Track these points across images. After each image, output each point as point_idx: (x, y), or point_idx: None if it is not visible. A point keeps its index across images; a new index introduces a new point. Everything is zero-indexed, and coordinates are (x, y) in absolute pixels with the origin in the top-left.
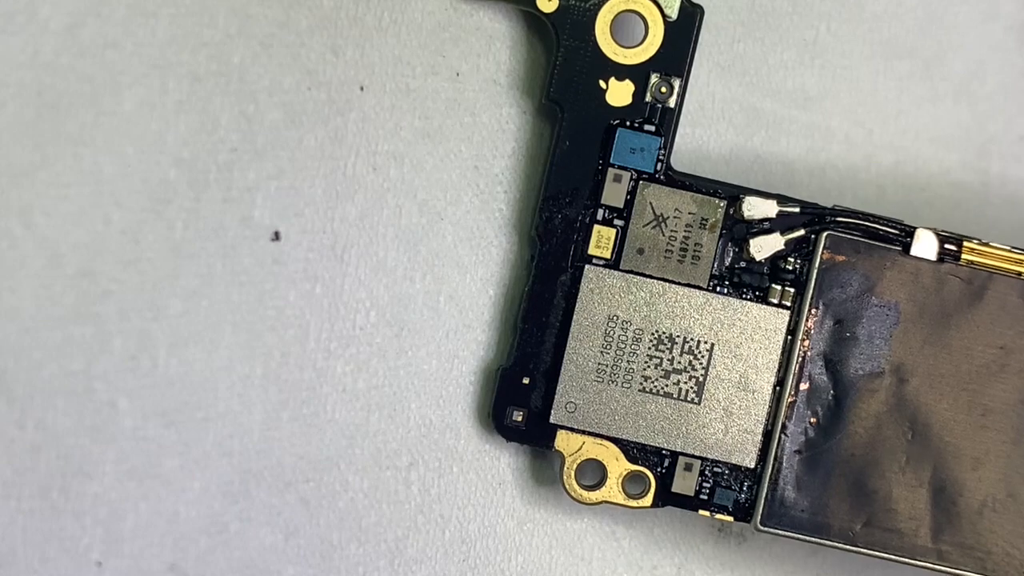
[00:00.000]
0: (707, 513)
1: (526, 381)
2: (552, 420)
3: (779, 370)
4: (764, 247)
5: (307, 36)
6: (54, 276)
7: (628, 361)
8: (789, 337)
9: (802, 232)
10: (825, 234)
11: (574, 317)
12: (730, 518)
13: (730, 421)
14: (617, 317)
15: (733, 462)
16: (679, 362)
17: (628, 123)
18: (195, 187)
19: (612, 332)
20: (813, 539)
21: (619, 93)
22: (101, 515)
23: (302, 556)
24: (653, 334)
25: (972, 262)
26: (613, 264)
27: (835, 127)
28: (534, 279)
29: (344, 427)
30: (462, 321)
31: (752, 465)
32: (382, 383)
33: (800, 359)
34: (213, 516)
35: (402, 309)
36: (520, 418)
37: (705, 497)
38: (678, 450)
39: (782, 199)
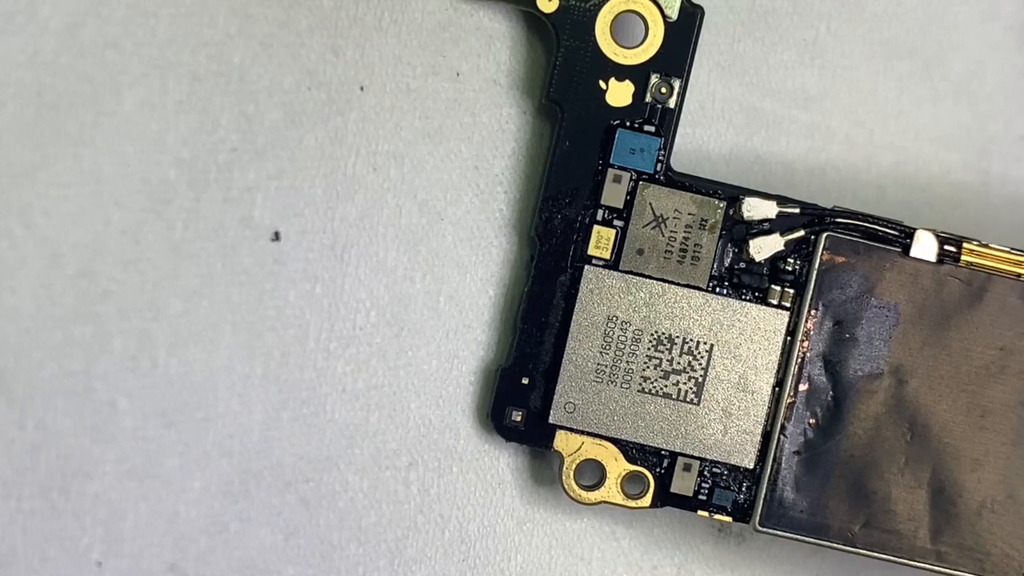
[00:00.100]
0: (706, 514)
1: (525, 381)
2: (551, 420)
3: (778, 371)
4: (764, 248)
5: (307, 36)
6: (54, 276)
7: (627, 362)
8: (788, 338)
9: (802, 233)
10: (825, 235)
11: (573, 317)
12: (729, 519)
13: (729, 422)
14: (616, 317)
15: (732, 463)
16: (678, 363)
17: (628, 123)
18: (195, 187)
19: (611, 332)
20: (812, 540)
21: (619, 93)
22: (101, 515)
23: (302, 556)
24: (652, 335)
25: (972, 263)
26: (613, 264)
27: (835, 127)
28: (534, 279)
29: (344, 427)
30: (462, 321)
31: (751, 466)
32: (382, 383)
33: (799, 360)
34: (213, 516)
35: (402, 309)
36: (519, 418)
37: (704, 497)
38: (677, 450)
39: (782, 200)
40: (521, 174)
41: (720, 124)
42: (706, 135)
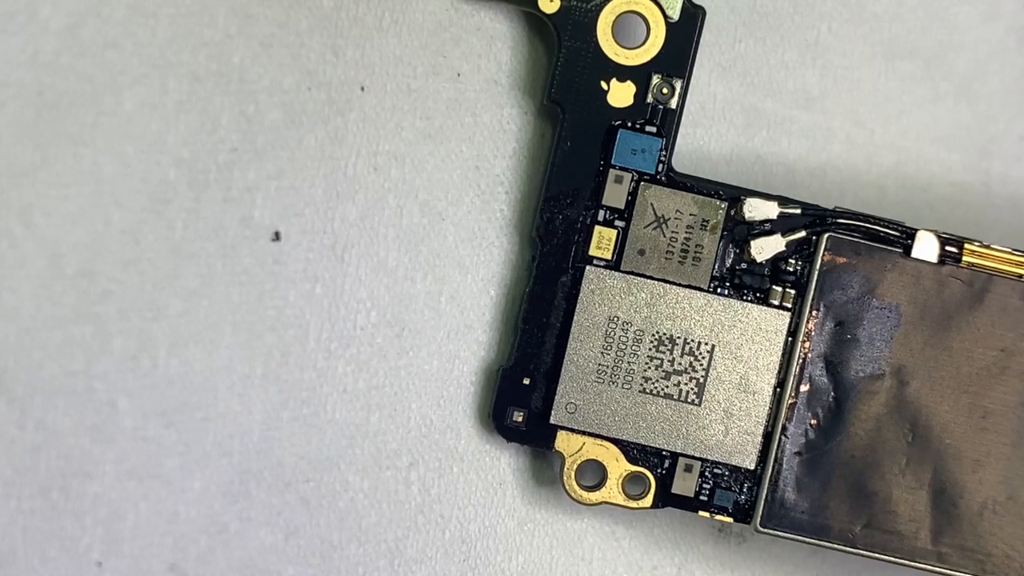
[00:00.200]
0: (707, 514)
1: (527, 381)
2: (552, 421)
3: (779, 372)
4: (765, 248)
5: (307, 36)
6: (54, 276)
7: (628, 362)
8: (790, 339)
9: (803, 234)
10: (826, 236)
11: (575, 318)
12: (730, 519)
13: (730, 422)
14: (618, 318)
15: (733, 463)
16: (679, 363)
17: (629, 124)
18: (195, 187)
19: (613, 333)
20: (813, 540)
21: (620, 94)
22: (101, 515)
23: (302, 556)
24: (654, 335)
25: (973, 264)
26: (614, 265)
27: (836, 127)
28: (535, 280)
29: (344, 427)
30: (463, 321)
31: (752, 466)
32: (383, 383)
33: (800, 361)
34: (213, 516)
35: (403, 309)
36: (520, 418)
37: (705, 498)
38: (678, 451)
39: (783, 200)
40: (522, 174)
41: (721, 124)
42: (707, 135)
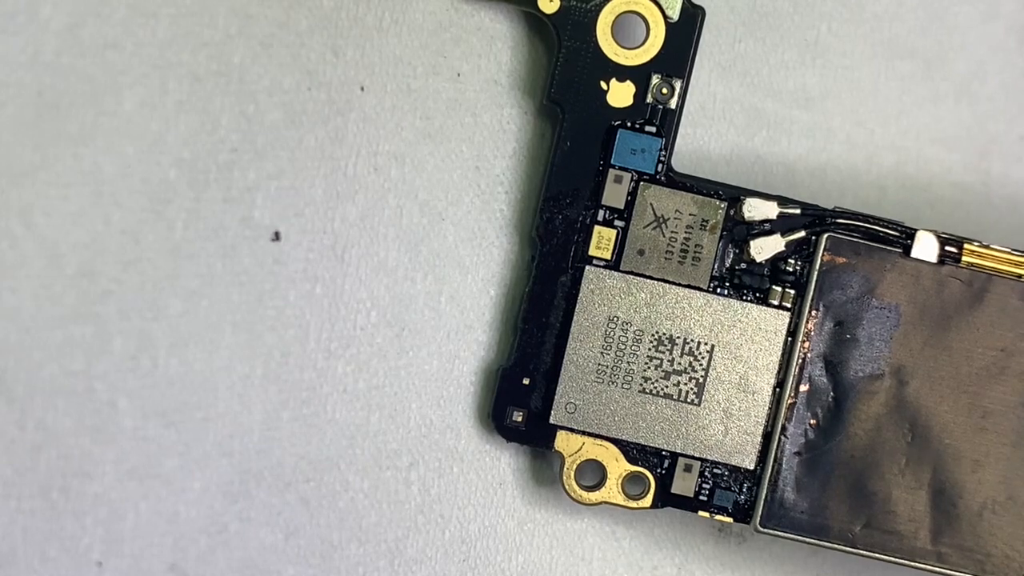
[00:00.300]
0: (707, 514)
1: (526, 381)
2: (552, 420)
3: (779, 372)
4: (765, 248)
5: (307, 36)
6: (54, 276)
7: (628, 362)
8: (789, 339)
9: (803, 234)
10: (826, 236)
11: (574, 318)
12: (729, 519)
13: (730, 422)
14: (617, 318)
15: (733, 463)
16: (679, 363)
17: (629, 124)
18: (195, 187)
19: (612, 333)
20: (813, 540)
21: (620, 94)
22: (101, 515)
23: (302, 556)
24: (653, 335)
25: (973, 264)
26: (613, 265)
27: (836, 127)
28: (535, 280)
29: (344, 427)
30: (463, 321)
31: (752, 466)
32: (383, 383)
33: (800, 361)
34: (213, 516)
35: (403, 309)
36: (520, 418)
37: (705, 498)
38: (678, 451)
39: (783, 200)
40: (522, 174)
41: (721, 124)
42: (707, 135)
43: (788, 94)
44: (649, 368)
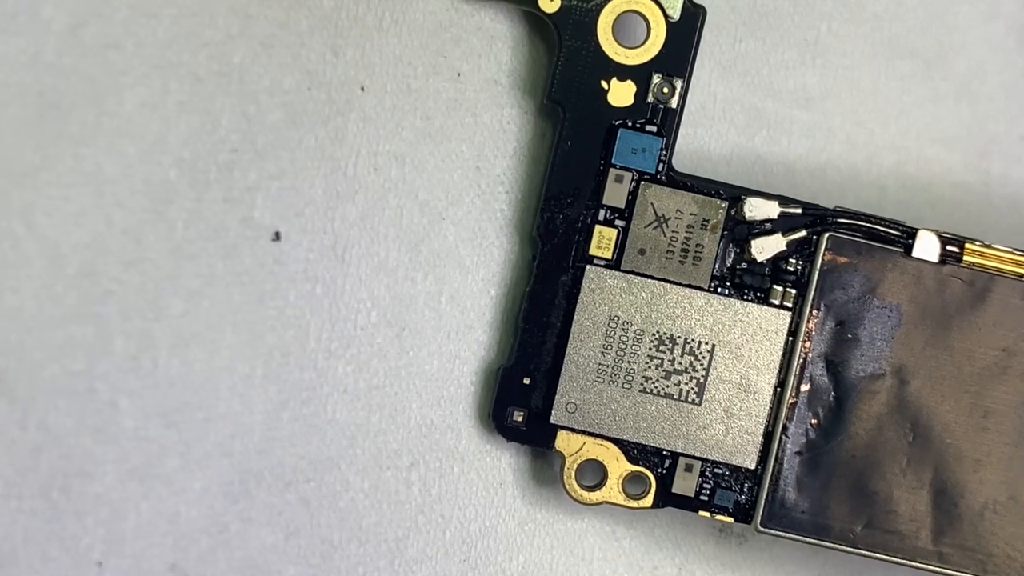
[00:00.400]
0: (707, 514)
1: (527, 381)
2: (552, 420)
3: (780, 371)
4: (766, 248)
5: (307, 36)
6: (55, 276)
7: (629, 362)
8: (790, 338)
9: (804, 233)
10: (827, 235)
11: (575, 317)
12: (730, 519)
13: (731, 422)
14: (618, 318)
15: (734, 463)
16: (680, 363)
17: (630, 124)
18: (196, 187)
19: (613, 333)
20: (813, 541)
21: (621, 93)
22: (102, 515)
23: (302, 556)
24: (654, 335)
25: (974, 264)
26: (614, 265)
27: (836, 127)
28: (535, 279)
29: (345, 427)
30: (463, 321)
31: (753, 466)
32: (383, 383)
33: (801, 360)
34: (214, 516)
35: (403, 309)
36: (521, 418)
37: (705, 498)
38: (679, 451)
39: (784, 200)
40: (522, 174)
41: (721, 124)
42: (707, 135)
43: (788, 94)
44: (650, 368)
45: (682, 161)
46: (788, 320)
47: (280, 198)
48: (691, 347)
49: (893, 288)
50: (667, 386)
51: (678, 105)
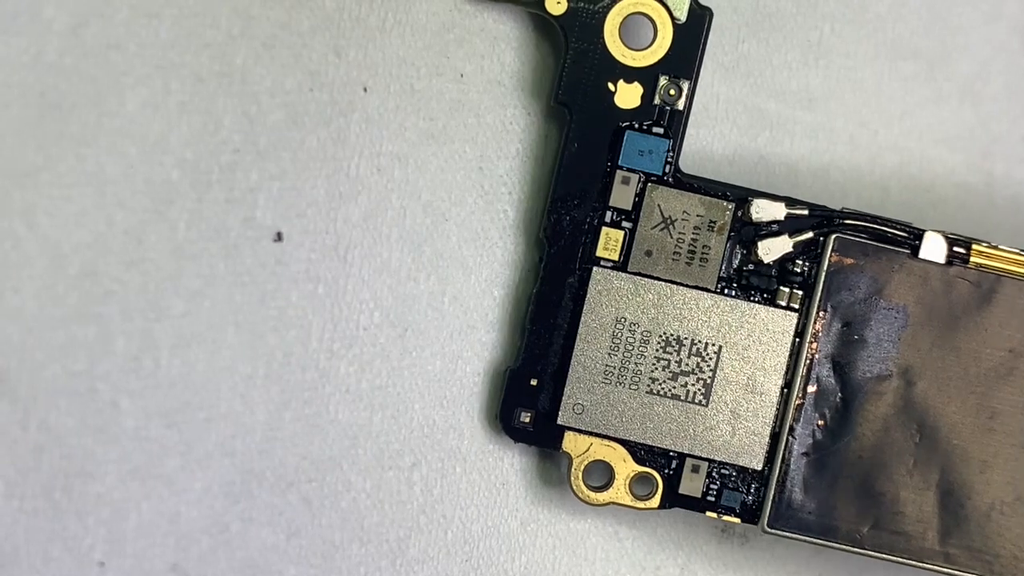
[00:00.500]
0: (714, 515)
1: (534, 382)
2: (560, 421)
3: (787, 372)
4: (772, 249)
5: (310, 37)
6: (57, 276)
7: (636, 363)
8: (797, 339)
9: (810, 235)
10: (833, 237)
11: (582, 319)
12: (737, 520)
13: (737, 423)
14: (625, 319)
15: (740, 464)
16: (687, 364)
17: (636, 125)
18: (198, 188)
19: (620, 334)
20: (820, 541)
21: (628, 95)
22: (103, 515)
23: (304, 556)
24: (661, 336)
25: (981, 265)
26: (621, 266)
27: (839, 128)
28: (542, 281)
29: (347, 427)
30: (466, 322)
31: (759, 467)
32: (385, 383)
33: (808, 361)
34: (215, 516)
35: (406, 310)
36: (528, 419)
37: (712, 499)
38: (685, 452)
39: (790, 201)
40: (525, 175)
41: (724, 125)
42: (710, 136)
43: (791, 95)
44: (657, 369)
45: (685, 162)
46: (795, 321)
47: (282, 199)
48: (698, 348)
49: (900, 289)
50: (674, 387)
51: (685, 107)
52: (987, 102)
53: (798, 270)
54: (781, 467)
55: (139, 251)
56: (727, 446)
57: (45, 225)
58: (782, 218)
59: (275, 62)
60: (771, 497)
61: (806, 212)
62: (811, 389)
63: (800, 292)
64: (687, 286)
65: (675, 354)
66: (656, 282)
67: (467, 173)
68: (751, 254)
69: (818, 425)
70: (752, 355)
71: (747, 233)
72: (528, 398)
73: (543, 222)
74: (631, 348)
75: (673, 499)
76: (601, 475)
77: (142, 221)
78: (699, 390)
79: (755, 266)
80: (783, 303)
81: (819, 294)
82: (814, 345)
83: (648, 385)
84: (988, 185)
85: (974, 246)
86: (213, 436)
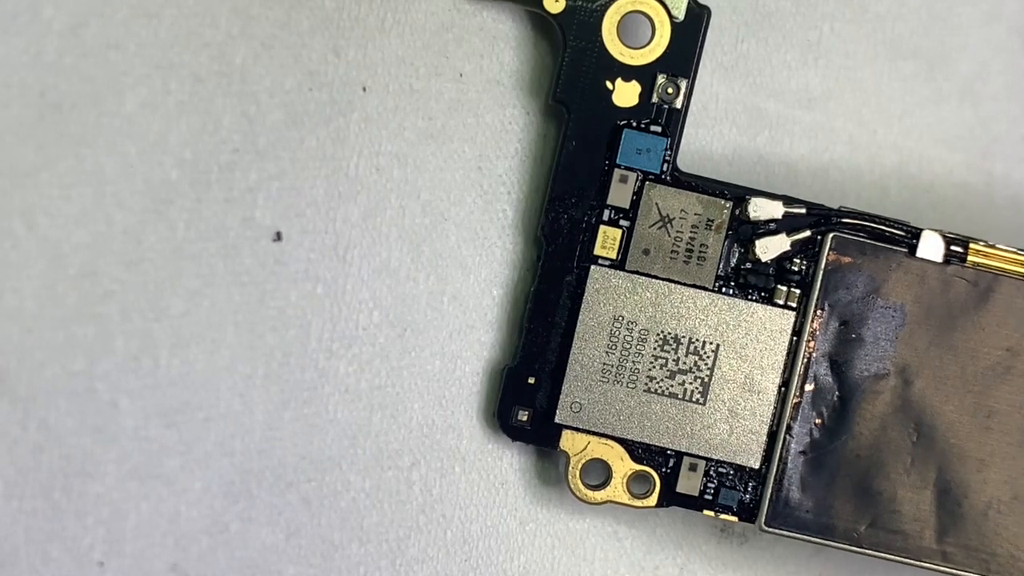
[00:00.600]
0: (712, 513)
1: (532, 381)
2: (557, 420)
3: (784, 371)
4: (770, 248)
5: (309, 37)
6: (56, 276)
7: (633, 361)
8: (795, 338)
9: (808, 233)
10: (831, 235)
11: (580, 317)
12: (734, 518)
13: (735, 422)
14: (623, 317)
15: (738, 463)
16: (684, 363)
17: (634, 124)
18: (197, 188)
19: (617, 332)
20: (817, 540)
21: (626, 94)
22: (103, 515)
23: (303, 556)
24: (658, 334)
25: (978, 264)
26: (619, 265)
27: (839, 128)
28: (540, 279)
29: (346, 427)
30: (465, 321)
31: (757, 466)
32: (385, 383)
33: (805, 360)
34: (214, 516)
35: (405, 309)
36: (525, 418)
37: (710, 497)
38: (683, 450)
39: (788, 200)
40: (524, 174)
41: (723, 124)
42: (709, 135)
43: (790, 94)
44: (654, 367)
45: (684, 161)
46: (792, 320)
47: (281, 198)
48: (695, 347)
49: (897, 288)
50: (671, 386)
51: (683, 105)
52: (986, 102)
53: (796, 269)
54: (778, 466)
55: (138, 251)
56: (724, 445)
57: (44, 225)
58: (780, 217)
59: (274, 62)
60: (768, 496)
61: (804, 211)
62: (808, 388)
63: (798, 291)
64: (685, 284)
65: (673, 353)
66: (654, 280)
67: (466, 172)
68: (749, 253)
69: (815, 424)
70: (750, 354)
71: (745, 232)
72: (526, 397)
73: (541, 221)
74: (629, 346)
75: (670, 498)
76: (599, 474)
77: (141, 221)
78: (697, 389)
79: (753, 265)
80: (781, 302)
81: (817, 293)
82: (812, 344)
83: (646, 383)
84: (988, 185)
85: (971, 245)
86: (212, 436)
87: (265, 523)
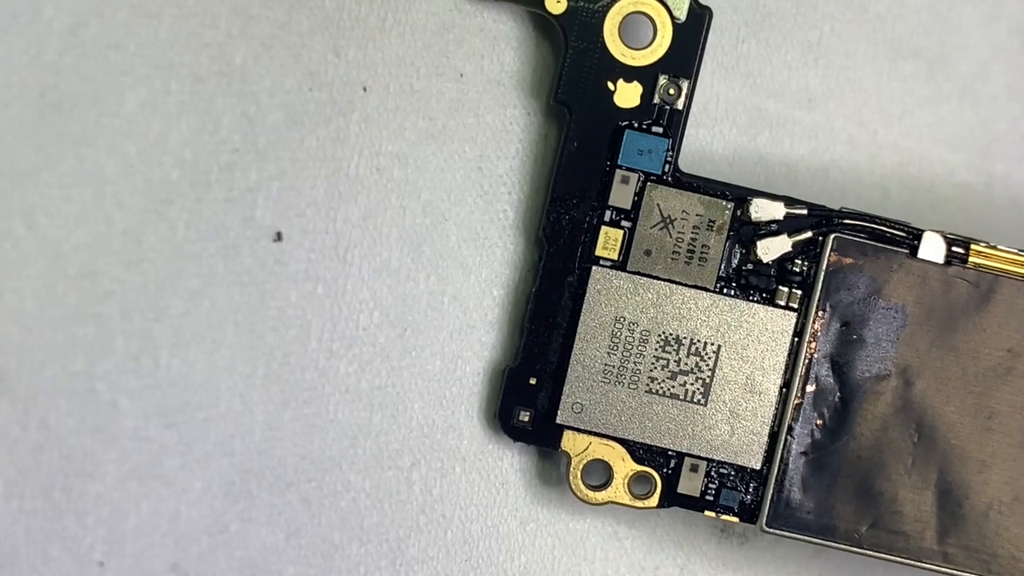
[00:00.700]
0: (713, 514)
1: (533, 381)
2: (559, 420)
3: (785, 372)
4: (771, 249)
5: (309, 37)
6: (56, 276)
7: (635, 362)
8: (796, 339)
9: (809, 234)
10: (832, 236)
11: (581, 318)
12: (735, 519)
13: (736, 422)
14: (624, 318)
15: (739, 463)
16: (685, 363)
17: (636, 125)
18: (197, 188)
19: (619, 333)
20: (818, 541)
21: (627, 95)
22: (103, 515)
23: (303, 556)
24: (660, 335)
25: (979, 265)
26: (620, 265)
27: (839, 128)
28: (541, 280)
29: (346, 427)
30: (466, 322)
31: (758, 466)
32: (385, 383)
33: (807, 361)
34: (214, 516)
35: (406, 310)
36: (527, 418)
37: (711, 498)
38: (684, 451)
39: (789, 201)
40: (525, 175)
41: (724, 125)
42: (710, 136)
43: (791, 95)
44: (656, 368)
45: (684, 162)
46: (794, 321)
47: (281, 198)
48: (697, 348)
49: (898, 289)
50: (673, 386)
51: (684, 106)
52: (987, 102)
53: (797, 270)
54: (780, 466)
55: (138, 251)
56: (726, 445)
57: (44, 225)
58: (781, 218)
59: (274, 62)
60: (769, 496)
61: (805, 212)
62: (810, 389)
63: (799, 292)
64: (686, 285)
65: (674, 353)
66: (655, 281)
67: (467, 173)
68: (750, 253)
69: (817, 425)
70: (751, 354)
71: (746, 233)
72: (527, 397)
73: (542, 221)
74: (630, 347)
75: (672, 498)
76: (600, 474)
77: (141, 221)
78: (698, 389)
79: (754, 265)
80: (782, 303)
81: (818, 294)
82: (813, 345)
83: (647, 384)
84: (988, 185)
85: (972, 246)
86: (212, 436)
87: (265, 523)
